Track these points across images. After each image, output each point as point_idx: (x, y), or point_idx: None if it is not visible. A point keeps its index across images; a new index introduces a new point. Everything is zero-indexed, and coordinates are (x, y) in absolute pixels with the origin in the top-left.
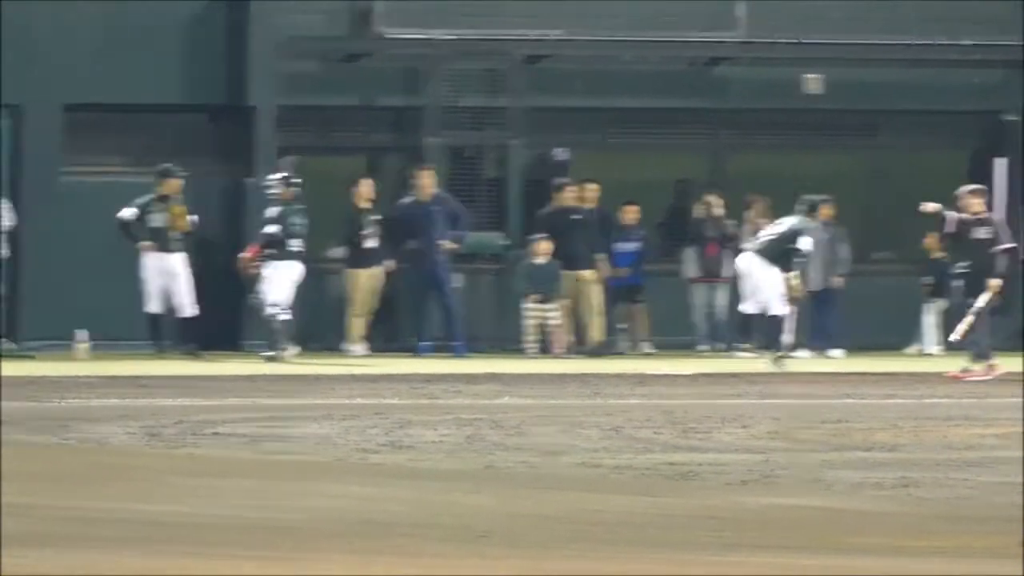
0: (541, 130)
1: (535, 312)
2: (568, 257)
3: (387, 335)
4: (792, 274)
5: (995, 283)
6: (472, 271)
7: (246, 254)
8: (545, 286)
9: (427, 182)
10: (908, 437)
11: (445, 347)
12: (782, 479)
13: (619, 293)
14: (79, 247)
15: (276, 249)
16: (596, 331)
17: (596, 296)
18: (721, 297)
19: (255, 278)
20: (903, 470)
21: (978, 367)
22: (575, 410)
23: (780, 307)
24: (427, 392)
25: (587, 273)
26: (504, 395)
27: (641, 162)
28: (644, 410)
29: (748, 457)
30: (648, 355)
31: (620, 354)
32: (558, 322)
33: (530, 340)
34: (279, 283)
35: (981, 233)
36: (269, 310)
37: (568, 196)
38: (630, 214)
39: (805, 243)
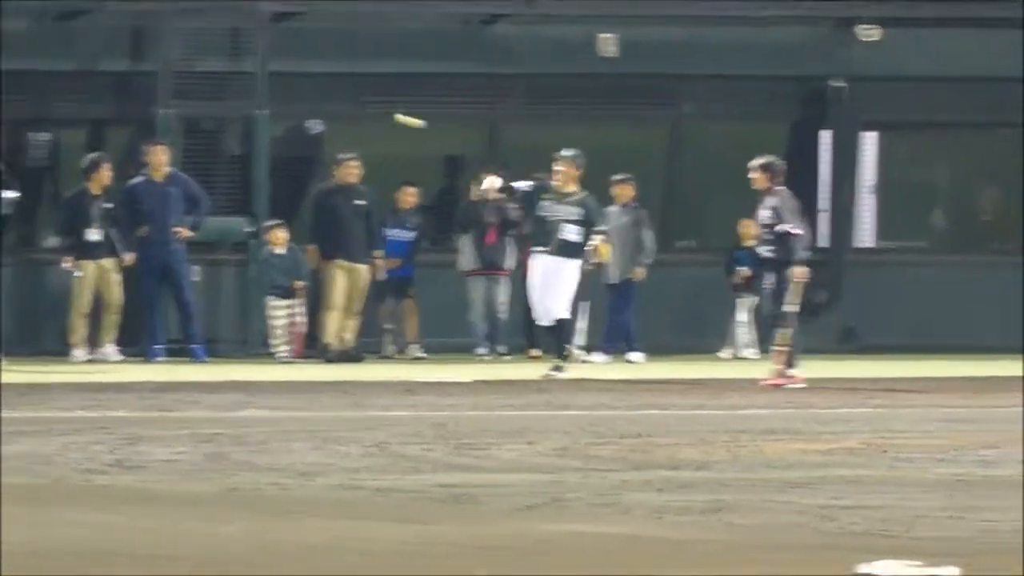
0: (291, 99)
1: (279, 310)
2: (343, 246)
3: (122, 338)
4: (599, 238)
5: (799, 273)
6: (212, 262)
7: None
8: (286, 279)
9: (160, 159)
10: (720, 454)
11: (182, 351)
12: (574, 503)
13: (387, 287)
14: None
15: None
16: (351, 332)
17: (362, 292)
18: (502, 292)
19: None
20: (714, 492)
21: (794, 372)
22: (332, 423)
23: (566, 307)
24: (159, 403)
25: (363, 268)
26: (247, 406)
27: (406, 136)
28: (413, 423)
29: (534, 477)
30: (418, 359)
31: (385, 358)
32: (301, 320)
33: (276, 343)
34: None
35: (763, 216)
36: None
37: (351, 173)
38: (407, 197)
39: (572, 233)
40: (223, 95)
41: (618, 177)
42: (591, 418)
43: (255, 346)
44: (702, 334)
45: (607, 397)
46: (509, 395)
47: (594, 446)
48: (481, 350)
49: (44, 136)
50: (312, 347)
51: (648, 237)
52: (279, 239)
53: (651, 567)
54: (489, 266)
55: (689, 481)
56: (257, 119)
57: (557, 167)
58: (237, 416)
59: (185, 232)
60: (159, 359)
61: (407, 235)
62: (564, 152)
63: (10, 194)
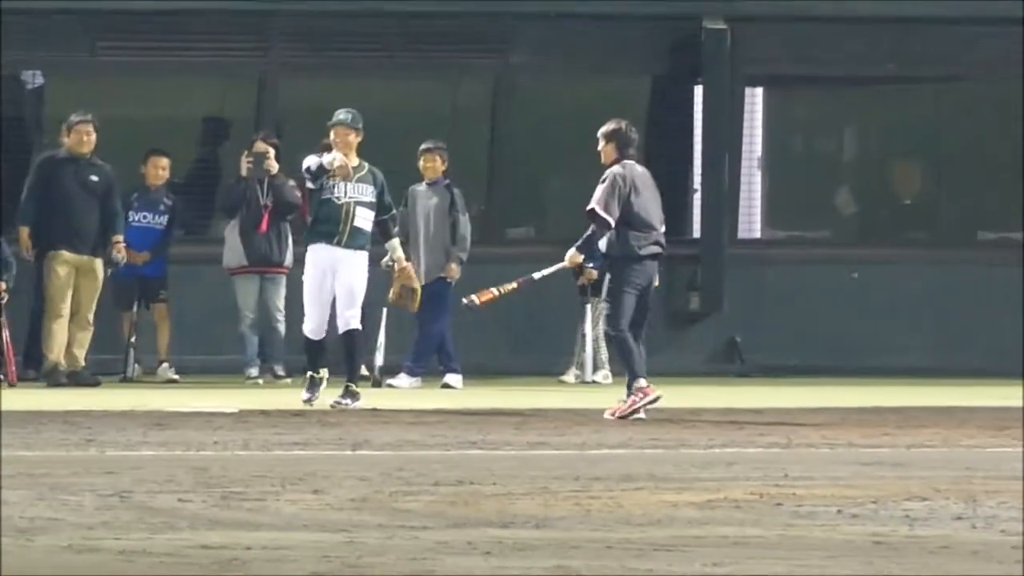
0: (7, 42)
1: None
2: (68, 234)
3: None
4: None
5: (570, 257)
6: None
7: None
8: None
9: None
10: (566, 507)
11: None
12: (374, 569)
13: (132, 288)
14: None
15: None
16: (80, 346)
17: (94, 294)
18: (280, 295)
19: None
20: (558, 556)
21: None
22: (59, 466)
23: (357, 314)
24: None
25: (96, 263)
26: None
27: (150, 90)
28: (164, 466)
29: (323, 537)
30: (170, 382)
31: (128, 381)
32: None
33: None
34: None
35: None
36: None
37: (84, 140)
38: (157, 170)
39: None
40: None
41: (426, 146)
42: (396, 460)
43: None
44: (542, 351)
45: (417, 432)
46: (290, 429)
47: (401, 496)
48: (253, 370)
49: None
50: (32, 368)
51: (464, 223)
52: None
53: None
54: (262, 262)
55: (527, 542)
56: None
57: (332, 136)
58: None
59: None
60: None
61: (158, 221)
62: (338, 115)
63: None
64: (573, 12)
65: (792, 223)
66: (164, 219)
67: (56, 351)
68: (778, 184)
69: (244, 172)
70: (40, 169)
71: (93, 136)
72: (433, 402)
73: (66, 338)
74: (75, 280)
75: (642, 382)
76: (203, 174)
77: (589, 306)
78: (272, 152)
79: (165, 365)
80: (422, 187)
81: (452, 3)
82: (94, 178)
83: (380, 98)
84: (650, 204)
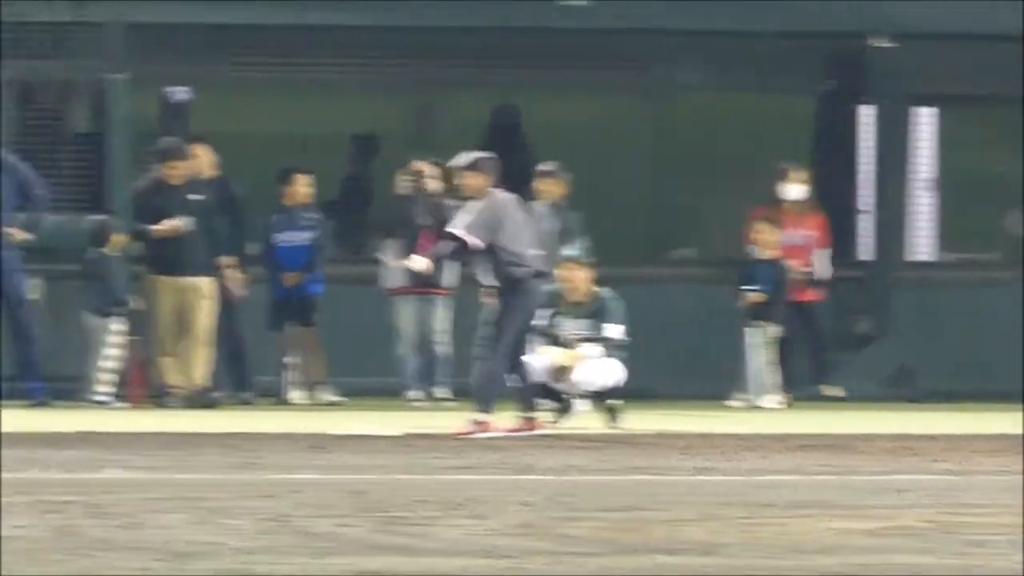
0: (153, 60)
1: (109, 335)
2: (169, 260)
3: None
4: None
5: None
6: (52, 274)
7: None
8: (121, 293)
9: None
10: (734, 534)
11: (15, 390)
12: None
13: (283, 309)
14: None
15: None
16: (200, 369)
17: (208, 317)
18: (441, 317)
19: None
20: None
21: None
22: (218, 489)
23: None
24: None
25: (203, 283)
26: (106, 466)
27: (304, 107)
28: (324, 490)
29: (486, 563)
30: (330, 405)
31: (284, 403)
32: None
33: (103, 380)
34: None
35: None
36: None
37: (172, 174)
38: (299, 187)
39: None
40: (67, 52)
41: (544, 168)
42: (562, 485)
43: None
44: (706, 375)
45: (582, 457)
46: (451, 453)
47: (566, 522)
48: (413, 393)
49: None
50: (156, 388)
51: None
52: (117, 240)
53: None
54: (423, 283)
55: (694, 569)
56: (111, 84)
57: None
58: (93, 479)
59: (19, 234)
60: None
61: (302, 237)
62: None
63: None
64: (736, 30)
65: (962, 245)
66: (308, 235)
67: (172, 373)
68: (950, 205)
69: (401, 191)
70: (138, 195)
71: (203, 159)
72: (598, 426)
73: (179, 359)
74: (187, 301)
75: (483, 417)
76: (352, 192)
77: (755, 330)
78: (429, 170)
79: (324, 387)
80: (541, 208)
81: (615, 20)
82: (197, 197)
83: (540, 115)
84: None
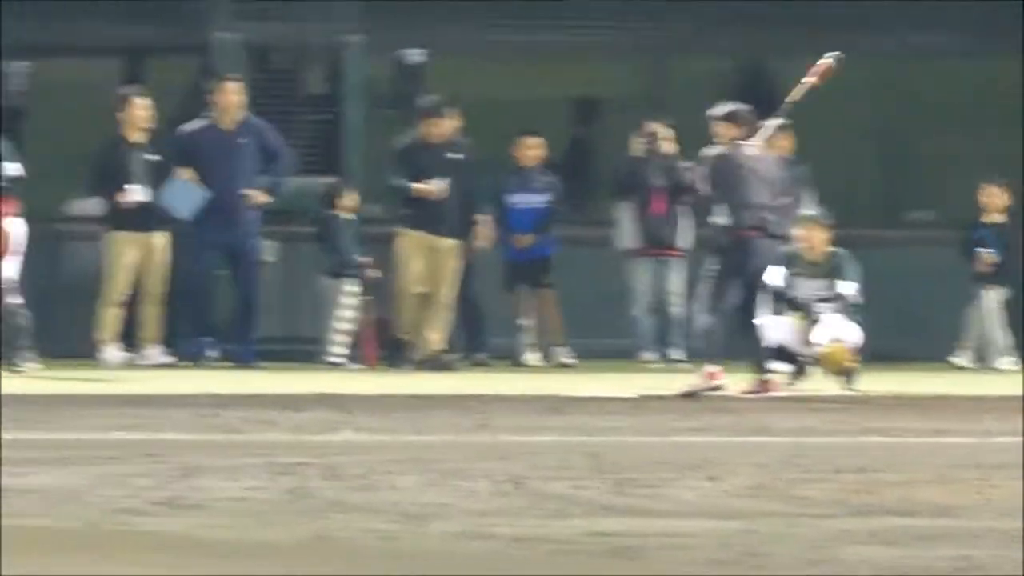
0: (389, 23)
1: (343, 297)
2: (424, 215)
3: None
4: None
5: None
6: (288, 236)
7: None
8: (354, 256)
9: (231, 99)
10: (969, 495)
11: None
12: (774, 559)
13: (517, 271)
14: None
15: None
16: (438, 333)
17: (453, 279)
18: (675, 279)
19: None
20: (961, 546)
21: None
22: (452, 451)
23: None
24: (224, 422)
25: (454, 244)
26: (343, 427)
27: (536, 70)
28: (559, 452)
29: (720, 525)
30: (564, 367)
31: (520, 365)
32: (354, 313)
33: (338, 341)
34: (12, 252)
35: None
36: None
37: (433, 132)
38: (530, 150)
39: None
40: (302, 16)
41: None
42: (795, 446)
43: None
44: (938, 337)
45: (816, 419)
46: (685, 415)
47: (800, 484)
48: (647, 355)
49: (21, 66)
50: (390, 349)
51: (809, 200)
52: (350, 204)
53: None
54: (657, 244)
55: (929, 532)
56: (349, 48)
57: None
58: (328, 441)
59: (260, 197)
60: (205, 361)
61: (537, 200)
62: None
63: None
64: None
65: None
66: (542, 197)
67: (411, 333)
68: None
69: (637, 152)
70: (411, 153)
71: (448, 123)
72: (833, 388)
73: (419, 320)
74: (437, 261)
75: (712, 368)
76: (580, 154)
77: (988, 292)
78: (664, 131)
79: (559, 349)
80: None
81: None
82: (454, 156)
83: (777, 76)
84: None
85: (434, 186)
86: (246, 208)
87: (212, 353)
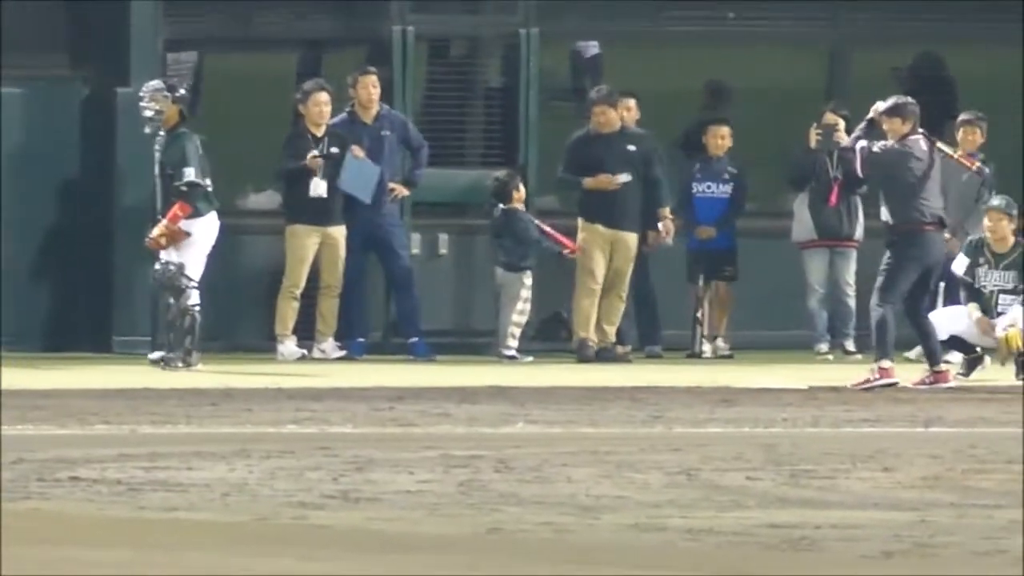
0: (563, 13)
1: (512, 287)
2: (604, 208)
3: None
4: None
5: None
6: (464, 229)
7: (169, 223)
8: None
9: (370, 93)
10: None
11: (396, 346)
12: (946, 549)
13: (700, 262)
14: None
15: (195, 201)
16: (615, 322)
17: (628, 272)
18: (850, 269)
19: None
20: None
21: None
22: (625, 444)
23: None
24: (397, 416)
25: (632, 238)
26: (517, 420)
27: (710, 61)
28: (732, 443)
29: (893, 516)
30: (736, 359)
31: (694, 356)
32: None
33: (513, 335)
34: (198, 251)
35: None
36: (189, 294)
37: (603, 122)
38: (718, 139)
39: None
40: (477, 8)
41: (964, 117)
42: (969, 437)
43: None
44: None
45: (991, 409)
46: (860, 406)
47: (973, 475)
48: (822, 346)
49: (188, 56)
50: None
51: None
52: (520, 195)
53: None
54: (832, 235)
55: None
56: (523, 39)
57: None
58: (501, 433)
59: (401, 190)
60: (382, 354)
61: (722, 191)
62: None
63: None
64: None
65: None
66: (728, 188)
67: (587, 326)
68: None
69: (813, 144)
70: (584, 145)
71: (627, 112)
72: (1008, 379)
73: (595, 313)
74: (611, 255)
75: (886, 363)
76: (768, 146)
77: None
78: (842, 124)
79: (720, 340)
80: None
81: None
82: (632, 148)
83: (945, 71)
84: None
85: (607, 179)
86: (390, 201)
87: (363, 346)
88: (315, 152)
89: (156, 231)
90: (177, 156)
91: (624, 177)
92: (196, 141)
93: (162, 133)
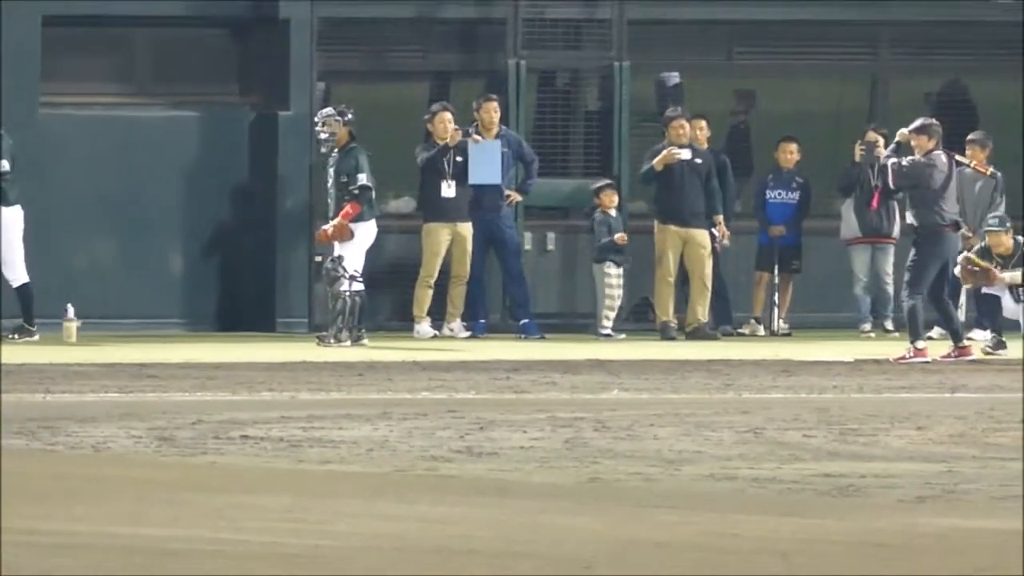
0: (650, 49)
1: (610, 279)
2: (675, 211)
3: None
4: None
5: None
6: (568, 229)
7: (341, 220)
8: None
9: (491, 116)
10: None
11: (511, 326)
12: (969, 495)
13: (770, 255)
14: (63, 199)
15: (364, 206)
16: (702, 309)
17: (707, 265)
18: (888, 262)
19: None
20: None
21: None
22: (702, 407)
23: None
24: (513, 384)
25: (699, 234)
26: (612, 387)
27: (775, 89)
28: (791, 407)
29: (925, 467)
30: (784, 336)
31: (743, 335)
32: (620, 292)
33: (608, 316)
34: (358, 248)
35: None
36: (349, 283)
37: (680, 134)
38: (788, 154)
39: None
40: (578, 44)
41: (971, 137)
42: (989, 401)
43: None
44: None
45: (1006, 378)
46: (897, 376)
47: (993, 432)
48: (866, 326)
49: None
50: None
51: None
52: (611, 201)
53: None
54: (874, 234)
55: None
56: (616, 70)
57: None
58: (599, 399)
59: (515, 196)
60: (483, 334)
61: (790, 197)
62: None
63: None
64: None
65: None
66: (795, 195)
67: (665, 310)
68: None
69: (858, 158)
70: (649, 158)
71: (684, 130)
72: (1015, 352)
73: (672, 297)
74: (689, 249)
75: (920, 344)
76: (821, 160)
77: None
78: (882, 141)
79: (782, 322)
80: (968, 172)
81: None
82: (698, 161)
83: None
84: None
85: (670, 152)
86: (506, 205)
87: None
88: (455, 127)
89: (329, 226)
90: (351, 166)
91: (686, 153)
92: (366, 155)
93: (335, 152)
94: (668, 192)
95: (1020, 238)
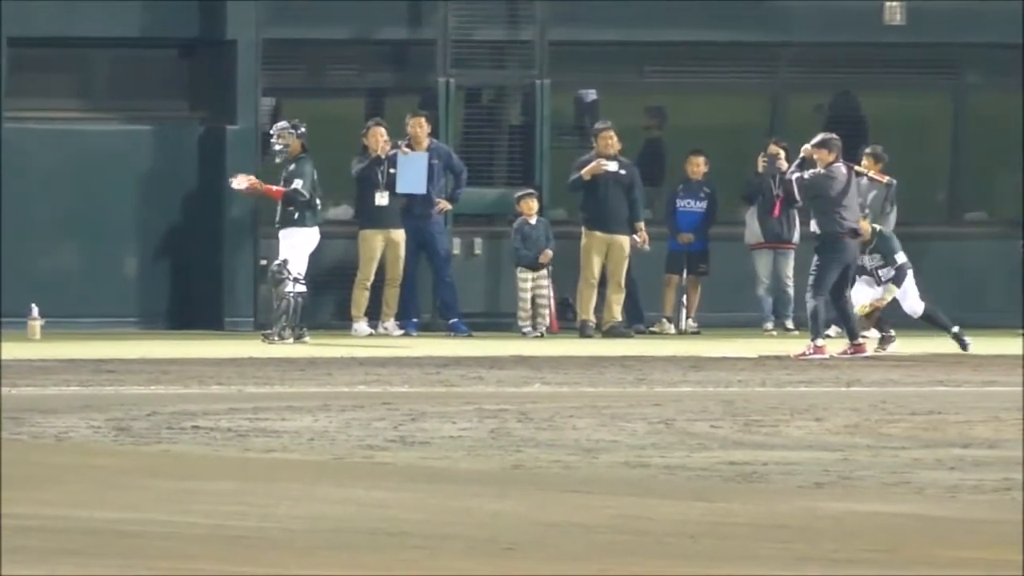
0: (569, 67)
1: (526, 283)
2: (600, 219)
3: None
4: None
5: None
6: (491, 235)
7: (266, 188)
8: (536, 251)
9: (421, 130)
10: (1011, 432)
11: (441, 325)
12: (863, 481)
13: (679, 260)
14: (26, 206)
15: (300, 211)
16: (616, 309)
17: (624, 267)
18: (788, 266)
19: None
20: (1006, 470)
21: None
22: (617, 400)
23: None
24: (443, 378)
25: (623, 239)
26: (534, 382)
27: (683, 105)
28: (699, 399)
29: (823, 455)
30: (693, 335)
31: (654, 333)
32: (548, 294)
33: (523, 316)
34: (302, 252)
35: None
36: (292, 285)
37: (608, 144)
38: (696, 166)
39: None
40: (503, 64)
41: (867, 150)
42: (881, 395)
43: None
44: (989, 309)
45: (898, 373)
46: (796, 371)
47: (884, 423)
48: (768, 325)
49: (269, 101)
50: (568, 320)
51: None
52: (530, 208)
53: (943, 547)
54: (775, 239)
55: (981, 459)
56: (538, 88)
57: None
58: (522, 392)
59: (445, 205)
60: (415, 333)
61: (698, 206)
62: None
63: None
64: (1007, 43)
65: None
66: (703, 204)
67: (587, 310)
68: None
69: (760, 169)
70: (575, 168)
71: (614, 140)
72: (909, 348)
73: (593, 300)
74: (601, 254)
75: (819, 342)
76: (726, 171)
77: None
78: (783, 153)
79: (690, 321)
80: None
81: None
82: (622, 172)
83: (867, 108)
84: None
85: (597, 164)
86: (436, 213)
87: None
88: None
89: (254, 180)
90: (297, 173)
91: (612, 165)
92: (312, 165)
93: (289, 162)
94: (594, 201)
95: (877, 226)
